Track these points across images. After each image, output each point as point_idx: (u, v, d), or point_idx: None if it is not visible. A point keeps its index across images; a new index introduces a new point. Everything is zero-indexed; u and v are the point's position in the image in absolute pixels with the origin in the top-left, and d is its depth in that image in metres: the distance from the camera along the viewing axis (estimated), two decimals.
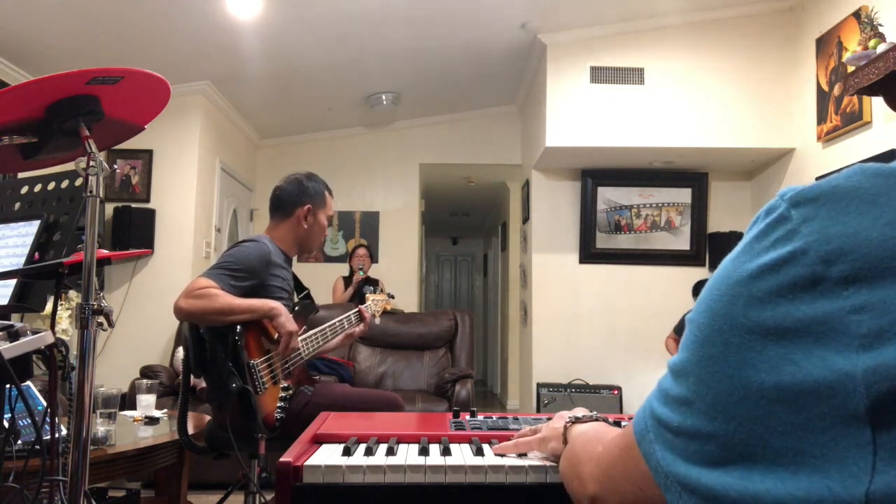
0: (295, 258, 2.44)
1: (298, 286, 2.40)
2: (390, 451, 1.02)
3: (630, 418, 1.31)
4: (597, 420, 0.91)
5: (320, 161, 5.88)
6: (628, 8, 4.17)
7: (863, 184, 0.41)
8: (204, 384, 3.10)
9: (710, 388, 0.44)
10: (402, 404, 2.36)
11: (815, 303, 0.40)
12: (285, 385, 2.10)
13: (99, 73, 1.25)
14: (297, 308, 2.24)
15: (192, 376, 2.25)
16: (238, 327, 2.01)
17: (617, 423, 1.21)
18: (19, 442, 1.74)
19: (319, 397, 2.19)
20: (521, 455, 1.01)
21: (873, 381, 0.37)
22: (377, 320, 2.56)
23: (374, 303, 2.55)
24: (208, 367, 2.16)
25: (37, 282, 1.36)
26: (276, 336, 2.08)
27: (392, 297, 2.73)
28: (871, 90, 2.46)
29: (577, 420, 0.90)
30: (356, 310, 2.45)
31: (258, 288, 2.12)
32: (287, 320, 2.06)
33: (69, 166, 1.32)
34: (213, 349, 2.10)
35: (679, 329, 4.38)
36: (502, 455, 1.02)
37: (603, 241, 4.86)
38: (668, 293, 4.78)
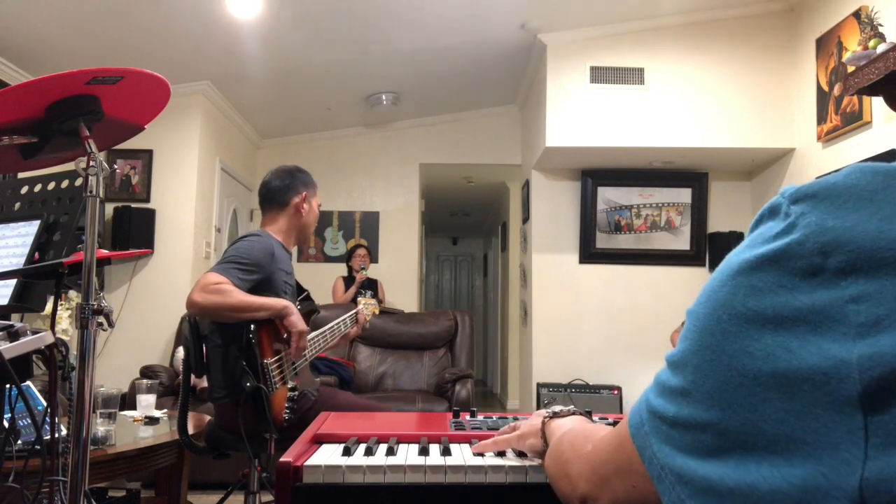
0: (294, 258, 2.45)
1: (298, 288, 2.40)
2: (390, 451, 1.02)
3: None
4: (574, 414, 0.90)
5: (320, 161, 5.88)
6: (628, 8, 4.17)
7: (860, 181, 0.42)
8: (204, 384, 3.09)
9: (707, 377, 0.45)
10: None
11: (813, 292, 0.41)
12: (292, 385, 2.10)
13: (99, 73, 1.25)
14: (299, 308, 2.24)
15: (192, 376, 2.25)
16: (252, 325, 2.01)
17: (615, 423, 1.21)
18: (19, 442, 1.74)
19: (323, 404, 2.19)
20: (501, 453, 1.01)
21: (867, 367, 0.37)
22: (367, 325, 2.58)
23: (365, 306, 2.57)
24: (213, 366, 2.16)
25: (37, 282, 1.36)
26: (284, 335, 2.08)
27: (381, 301, 2.75)
28: (871, 90, 2.46)
29: (554, 415, 0.90)
30: (353, 312, 2.47)
31: (265, 282, 2.13)
32: (298, 320, 2.07)
33: (69, 166, 1.32)
34: (224, 348, 2.10)
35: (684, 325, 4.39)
36: (481, 454, 1.01)
37: (603, 241, 4.86)
38: (668, 293, 4.78)
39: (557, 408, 0.92)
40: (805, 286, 0.41)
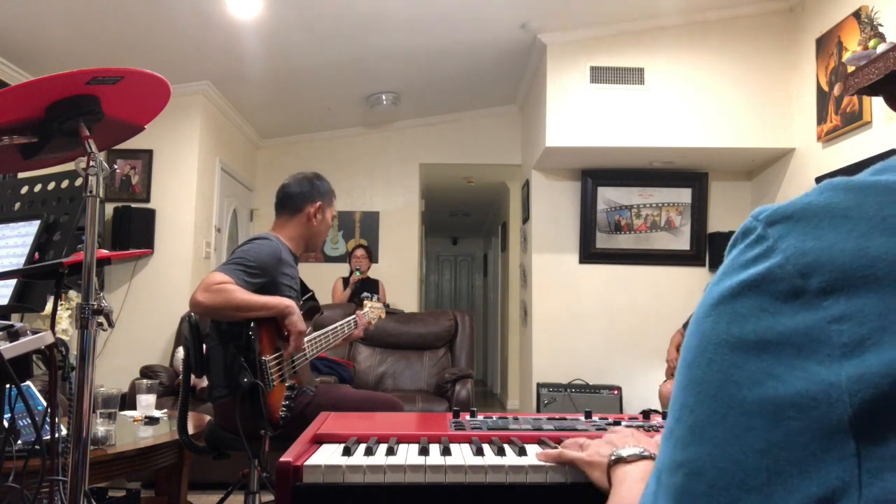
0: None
1: (303, 288, 2.41)
2: (390, 451, 1.02)
3: (630, 418, 1.31)
4: (643, 457, 0.85)
5: (320, 161, 5.88)
6: (628, 8, 4.17)
7: (834, 199, 0.42)
8: (204, 384, 3.10)
9: (692, 411, 0.43)
10: (403, 408, 2.37)
11: (796, 315, 0.40)
12: (290, 384, 2.11)
13: (99, 73, 1.25)
14: (302, 309, 2.25)
15: (192, 376, 2.25)
16: (252, 323, 2.02)
17: (615, 424, 1.21)
18: (19, 442, 1.74)
19: (322, 398, 2.20)
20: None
21: (857, 390, 0.36)
22: (371, 327, 2.59)
23: (371, 310, 2.58)
24: (213, 365, 2.16)
25: (37, 282, 1.36)
26: (285, 334, 2.09)
27: (388, 306, 2.76)
28: (871, 90, 2.46)
29: (619, 459, 0.85)
30: (353, 316, 2.48)
31: (269, 285, 2.14)
32: (298, 320, 2.09)
33: (69, 166, 1.32)
34: (225, 346, 2.11)
35: (687, 325, 4.39)
36: (543, 461, 0.98)
37: (603, 241, 4.86)
38: (668, 293, 4.78)
39: (626, 451, 0.85)
40: (787, 309, 0.40)
